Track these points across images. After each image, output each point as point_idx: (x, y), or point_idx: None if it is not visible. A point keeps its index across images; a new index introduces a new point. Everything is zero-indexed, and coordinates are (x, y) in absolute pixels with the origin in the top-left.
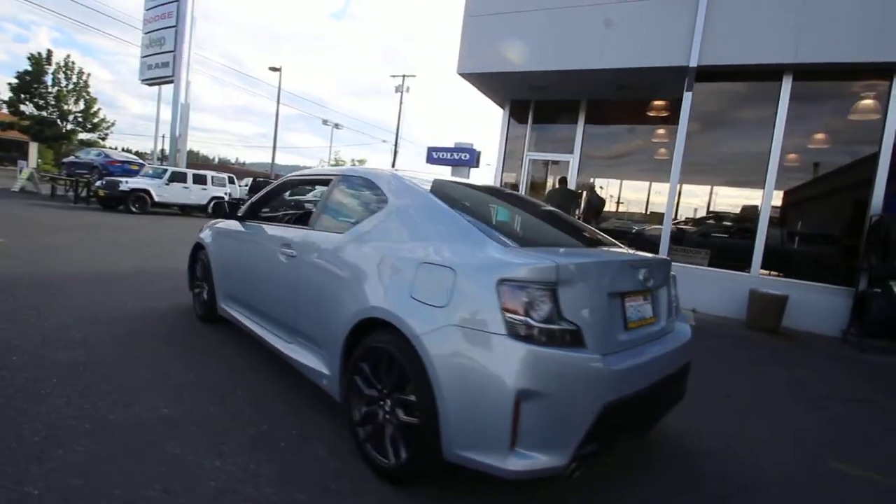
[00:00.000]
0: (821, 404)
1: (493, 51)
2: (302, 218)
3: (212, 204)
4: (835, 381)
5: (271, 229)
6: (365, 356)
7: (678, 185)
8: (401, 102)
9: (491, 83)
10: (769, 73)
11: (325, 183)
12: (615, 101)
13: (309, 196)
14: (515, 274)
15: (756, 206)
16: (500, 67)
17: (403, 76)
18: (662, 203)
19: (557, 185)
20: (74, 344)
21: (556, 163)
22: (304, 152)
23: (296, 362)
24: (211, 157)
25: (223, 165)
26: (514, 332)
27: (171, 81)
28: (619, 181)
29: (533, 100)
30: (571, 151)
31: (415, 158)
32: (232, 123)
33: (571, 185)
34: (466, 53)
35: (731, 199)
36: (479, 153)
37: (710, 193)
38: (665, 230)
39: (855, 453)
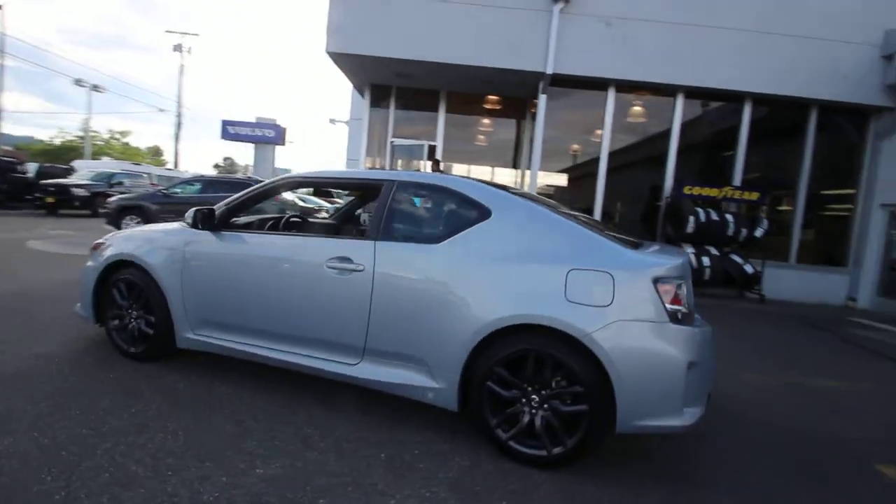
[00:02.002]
0: None
1: (367, 33)
2: (327, 227)
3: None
4: None
5: (293, 241)
6: (503, 361)
7: (538, 173)
8: (181, 66)
9: (358, 66)
10: (600, 84)
11: (352, 187)
12: (474, 94)
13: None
14: (665, 272)
15: (594, 191)
16: (373, 51)
17: (183, 34)
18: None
19: (431, 170)
20: None
21: (432, 147)
22: (39, 120)
23: (371, 382)
24: None
25: None
26: (674, 317)
27: None
28: (473, 167)
29: (395, 85)
30: (435, 139)
31: (203, 132)
32: None
33: (446, 171)
34: (334, 32)
35: (572, 188)
36: (284, 129)
37: (568, 181)
38: None
39: None
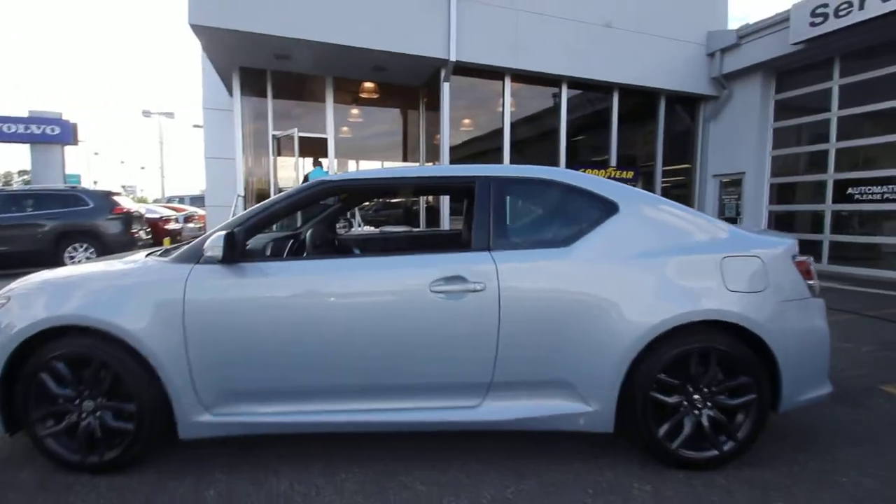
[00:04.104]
0: None
1: (243, 3)
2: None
3: None
4: None
5: (361, 265)
6: (665, 366)
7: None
8: None
9: (228, 43)
10: (498, 74)
11: (422, 188)
12: (363, 82)
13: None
14: (795, 250)
15: None
16: (250, 26)
17: None
18: None
19: (313, 167)
20: None
21: (319, 140)
22: None
23: (499, 423)
24: None
25: None
26: (813, 292)
27: None
28: (364, 162)
29: (270, 69)
30: (324, 131)
31: None
32: None
33: (332, 166)
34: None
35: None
36: (74, 125)
37: None
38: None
39: None
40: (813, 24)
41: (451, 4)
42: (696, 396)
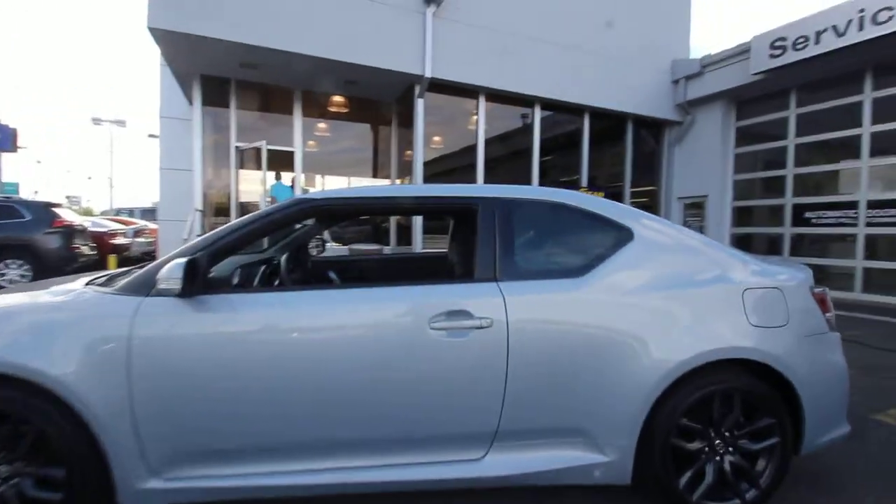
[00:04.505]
0: None
1: (208, 8)
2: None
3: None
4: None
5: (349, 297)
6: (687, 409)
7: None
8: None
9: (191, 49)
10: (472, 92)
11: (413, 209)
12: (339, 96)
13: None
14: (813, 281)
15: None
16: (215, 32)
17: None
18: None
19: (276, 181)
20: None
21: (286, 153)
22: None
23: (505, 479)
24: None
25: None
26: (830, 325)
27: None
28: (344, 178)
29: (234, 78)
30: (291, 144)
31: None
32: None
33: (298, 181)
34: (161, 1)
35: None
36: (13, 131)
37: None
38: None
39: None
40: (772, 56)
41: (427, 20)
42: (717, 441)
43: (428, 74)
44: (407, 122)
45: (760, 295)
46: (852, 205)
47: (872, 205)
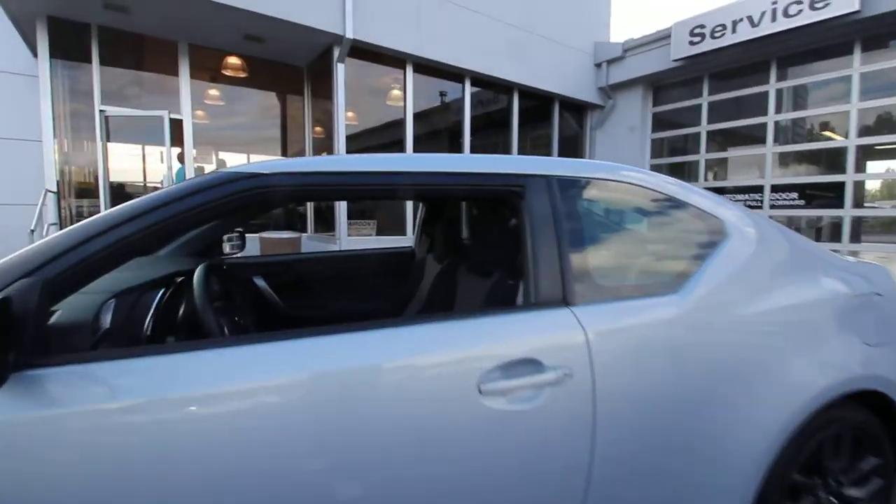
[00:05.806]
0: None
1: None
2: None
3: None
4: None
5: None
6: (803, 462)
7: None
8: None
9: None
10: (399, 61)
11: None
12: (237, 56)
13: None
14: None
15: None
16: None
17: None
18: None
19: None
20: None
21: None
22: None
23: None
24: None
25: None
26: None
27: None
28: (243, 155)
29: (96, 23)
30: (179, 111)
31: None
32: None
33: (188, 156)
34: None
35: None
36: None
37: None
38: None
39: None
40: (692, 43)
41: None
42: (822, 494)
43: (349, 35)
44: (324, 90)
45: (867, 305)
46: (758, 188)
47: (775, 188)
